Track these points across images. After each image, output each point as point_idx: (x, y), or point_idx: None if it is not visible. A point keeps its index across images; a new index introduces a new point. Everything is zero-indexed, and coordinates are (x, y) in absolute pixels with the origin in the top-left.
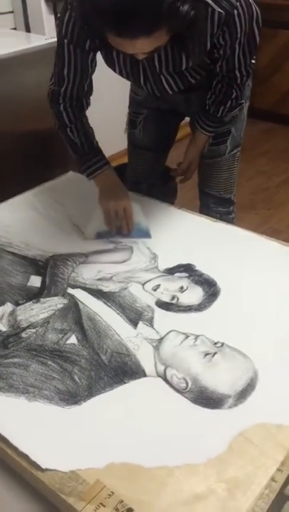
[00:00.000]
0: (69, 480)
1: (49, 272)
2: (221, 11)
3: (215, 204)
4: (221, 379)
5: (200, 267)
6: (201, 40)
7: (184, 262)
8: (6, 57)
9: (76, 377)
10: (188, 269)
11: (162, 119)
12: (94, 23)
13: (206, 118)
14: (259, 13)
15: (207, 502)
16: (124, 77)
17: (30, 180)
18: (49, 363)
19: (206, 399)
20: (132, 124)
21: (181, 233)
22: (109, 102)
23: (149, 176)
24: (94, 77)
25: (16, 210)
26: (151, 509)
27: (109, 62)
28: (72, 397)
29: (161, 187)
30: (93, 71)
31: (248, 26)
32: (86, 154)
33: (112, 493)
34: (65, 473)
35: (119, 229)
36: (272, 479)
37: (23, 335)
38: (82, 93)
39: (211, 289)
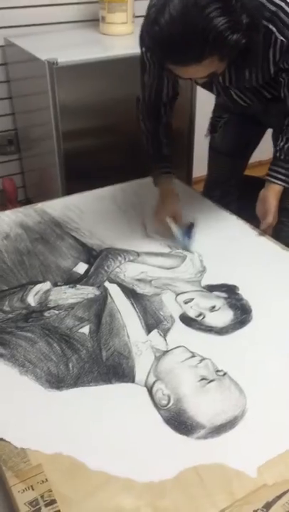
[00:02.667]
0: (16, 455)
1: (97, 262)
2: (283, 39)
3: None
4: (204, 408)
5: (245, 291)
6: (263, 65)
7: (231, 282)
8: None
9: (70, 365)
10: (229, 290)
11: (243, 125)
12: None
13: (277, 166)
14: None
15: None
16: (201, 86)
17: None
18: (54, 345)
19: (180, 422)
20: (212, 127)
21: (242, 253)
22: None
23: (224, 181)
24: None
25: (97, 199)
26: (73, 508)
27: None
28: (57, 382)
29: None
30: (170, 81)
31: None
32: (153, 162)
33: (46, 480)
34: (16, 448)
35: None
36: None
37: (46, 314)
38: (159, 101)
39: (242, 316)
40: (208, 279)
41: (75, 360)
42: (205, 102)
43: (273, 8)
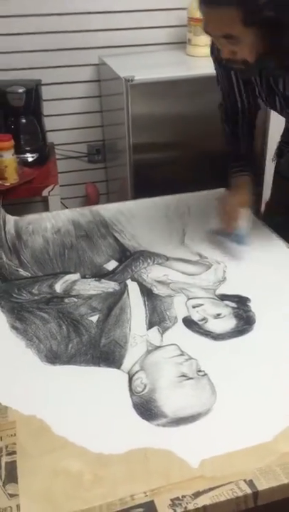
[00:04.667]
0: None
1: (127, 261)
2: None
3: None
4: (173, 400)
5: (256, 304)
6: None
7: (247, 295)
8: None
9: (70, 346)
10: (240, 301)
11: None
12: None
13: None
14: None
15: (69, 480)
16: (265, 104)
17: None
18: (63, 327)
19: (146, 409)
20: (279, 152)
21: (269, 269)
22: None
23: (287, 207)
24: None
25: (150, 207)
26: (27, 461)
27: (250, 85)
28: (53, 358)
29: None
30: (241, 89)
31: None
32: (231, 161)
33: (15, 435)
34: (1, 405)
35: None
36: (132, 496)
37: (66, 300)
38: (236, 111)
39: (243, 327)
40: (224, 289)
41: (75, 342)
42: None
43: None
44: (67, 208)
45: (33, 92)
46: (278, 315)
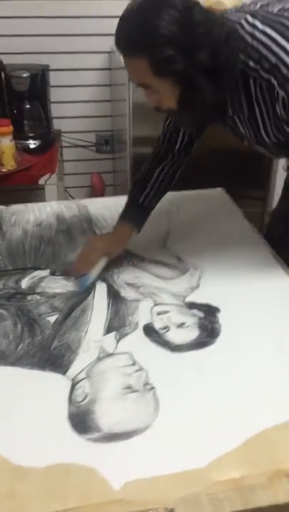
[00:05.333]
0: None
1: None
2: (284, 94)
3: None
4: (111, 414)
5: (225, 316)
6: (275, 121)
7: (218, 305)
8: None
9: (20, 346)
10: (209, 311)
11: None
12: None
13: None
14: None
15: None
16: None
17: None
18: (18, 326)
19: (80, 421)
20: None
21: (250, 281)
22: None
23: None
24: None
25: None
26: None
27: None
28: (0, 358)
29: None
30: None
31: None
32: (126, 204)
33: None
34: None
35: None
36: None
37: (29, 297)
38: (173, 144)
39: (205, 339)
40: (195, 296)
41: (26, 343)
42: None
43: (273, 60)
44: (72, 197)
45: (39, 77)
46: (245, 330)
